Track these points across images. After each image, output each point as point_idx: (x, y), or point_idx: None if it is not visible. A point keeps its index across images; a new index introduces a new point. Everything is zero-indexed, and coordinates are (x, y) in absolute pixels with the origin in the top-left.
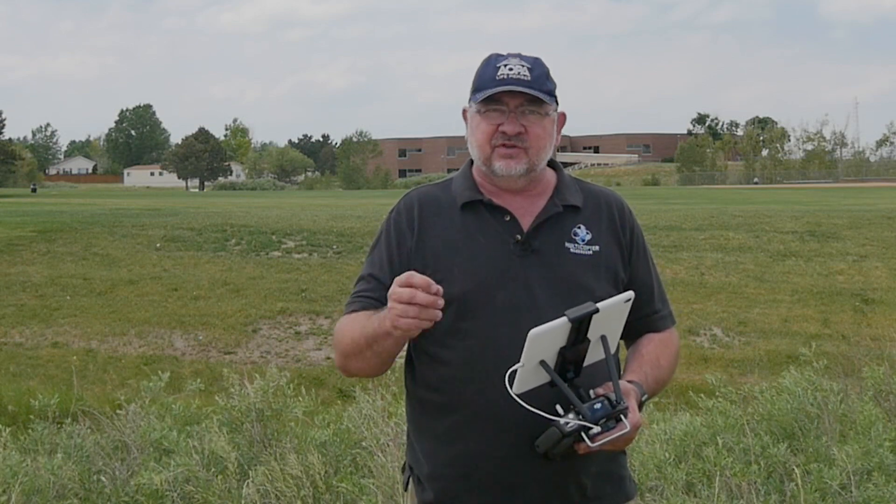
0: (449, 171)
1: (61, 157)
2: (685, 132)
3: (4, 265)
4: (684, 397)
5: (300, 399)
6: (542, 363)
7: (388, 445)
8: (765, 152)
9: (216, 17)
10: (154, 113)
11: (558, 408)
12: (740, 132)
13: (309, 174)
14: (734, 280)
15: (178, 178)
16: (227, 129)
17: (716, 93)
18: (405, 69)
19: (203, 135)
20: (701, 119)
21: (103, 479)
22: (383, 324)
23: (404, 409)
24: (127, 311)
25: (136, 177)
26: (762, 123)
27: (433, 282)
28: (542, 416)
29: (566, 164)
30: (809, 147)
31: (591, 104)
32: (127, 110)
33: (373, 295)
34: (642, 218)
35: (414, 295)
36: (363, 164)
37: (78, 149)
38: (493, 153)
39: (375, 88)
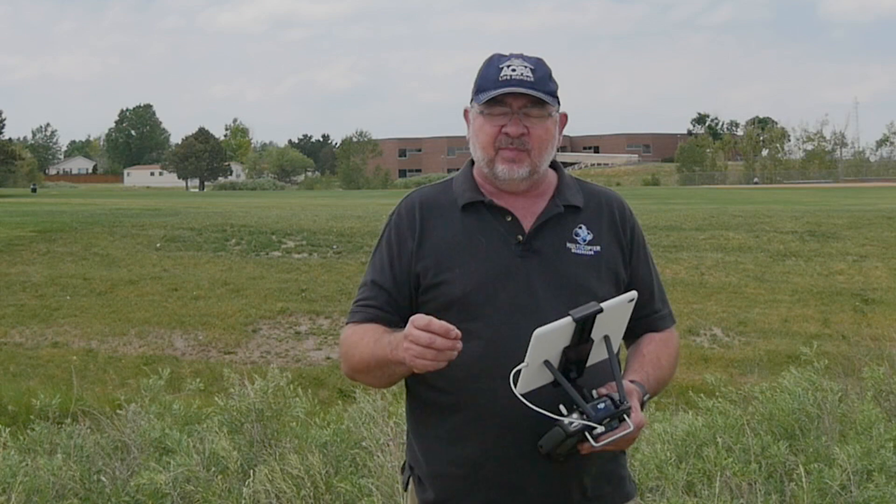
0: (449, 171)
1: (61, 157)
2: (685, 132)
3: (4, 265)
4: (684, 397)
5: (300, 399)
6: (546, 363)
7: (388, 445)
8: (765, 152)
9: (216, 17)
10: (154, 113)
11: (562, 408)
12: (740, 132)
13: (309, 174)
14: (734, 280)
15: (178, 178)
16: (227, 129)
17: (716, 93)
18: (406, 69)
19: (203, 135)
20: (701, 119)
21: (103, 479)
22: (396, 353)
23: (404, 409)
24: (127, 311)
25: (136, 177)
26: (762, 123)
27: (452, 327)
28: (546, 416)
29: (566, 164)
30: (809, 147)
31: (591, 104)
32: (127, 110)
33: (376, 304)
34: (642, 218)
35: (433, 341)
36: (363, 164)
37: (78, 149)
38: (496, 156)
39: (376, 88)
